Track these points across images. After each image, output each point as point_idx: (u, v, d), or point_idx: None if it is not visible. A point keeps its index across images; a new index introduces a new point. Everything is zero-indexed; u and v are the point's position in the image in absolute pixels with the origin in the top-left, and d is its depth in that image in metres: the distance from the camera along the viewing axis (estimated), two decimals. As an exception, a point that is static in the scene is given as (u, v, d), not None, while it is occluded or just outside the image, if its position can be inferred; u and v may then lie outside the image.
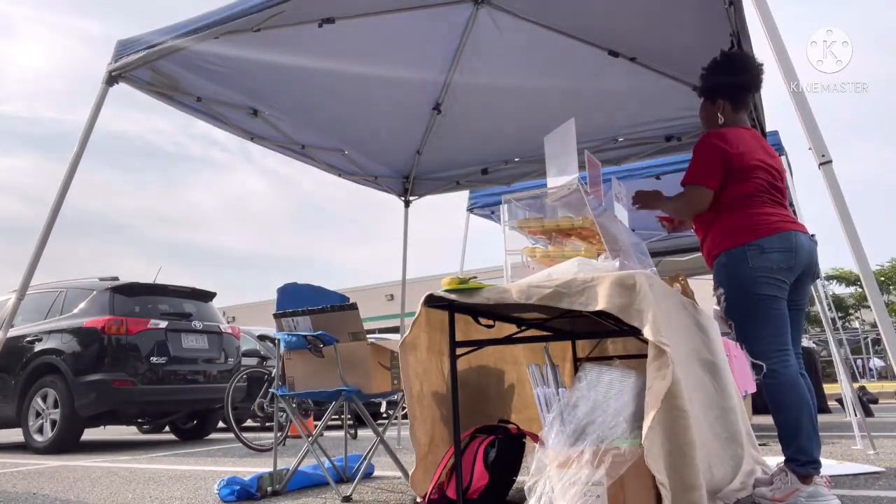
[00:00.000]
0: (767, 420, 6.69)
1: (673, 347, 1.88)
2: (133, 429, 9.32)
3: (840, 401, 6.97)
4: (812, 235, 2.51)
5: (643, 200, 2.76)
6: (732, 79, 2.60)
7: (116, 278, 6.73)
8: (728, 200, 2.44)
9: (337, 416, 7.90)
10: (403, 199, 5.53)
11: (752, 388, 6.27)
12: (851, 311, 26.29)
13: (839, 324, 19.74)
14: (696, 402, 2.09)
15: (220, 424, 7.86)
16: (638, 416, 1.94)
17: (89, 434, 8.09)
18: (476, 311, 2.55)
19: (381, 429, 3.16)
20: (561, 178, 2.47)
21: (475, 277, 2.32)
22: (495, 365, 3.10)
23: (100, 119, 3.31)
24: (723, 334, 5.58)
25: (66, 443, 5.94)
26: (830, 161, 2.16)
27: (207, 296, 7.15)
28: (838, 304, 23.52)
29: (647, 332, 1.85)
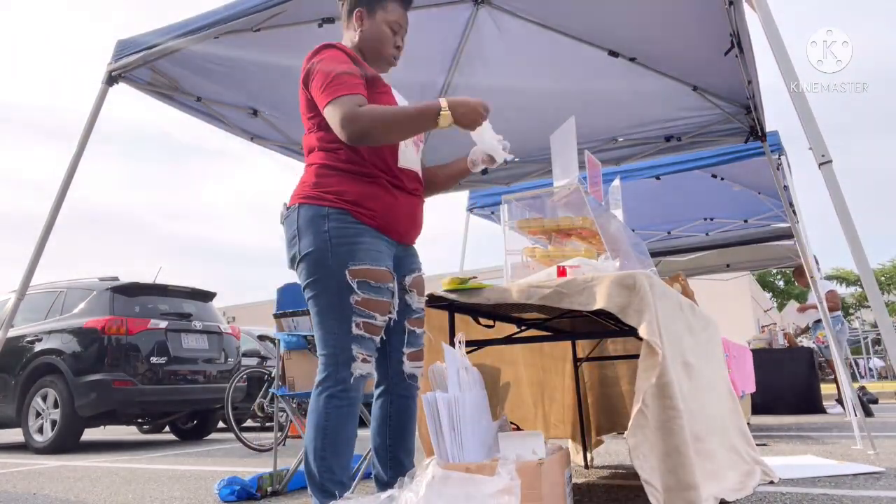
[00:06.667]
0: (767, 420, 6.69)
1: (668, 348, 1.88)
2: (133, 429, 9.32)
3: (840, 401, 6.96)
4: None
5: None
6: None
7: (116, 278, 6.74)
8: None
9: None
10: (403, 199, 5.52)
11: (752, 388, 6.28)
12: (851, 311, 26.28)
13: (839, 324, 19.69)
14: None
15: (220, 424, 7.86)
16: None
17: (89, 434, 8.09)
18: (476, 312, 2.55)
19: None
20: (564, 177, 2.47)
21: (475, 277, 2.32)
22: (493, 364, 3.11)
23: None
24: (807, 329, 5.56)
25: (66, 443, 5.94)
26: (830, 161, 2.17)
27: (207, 296, 7.16)
28: (838, 304, 23.48)
29: (643, 331, 1.85)
